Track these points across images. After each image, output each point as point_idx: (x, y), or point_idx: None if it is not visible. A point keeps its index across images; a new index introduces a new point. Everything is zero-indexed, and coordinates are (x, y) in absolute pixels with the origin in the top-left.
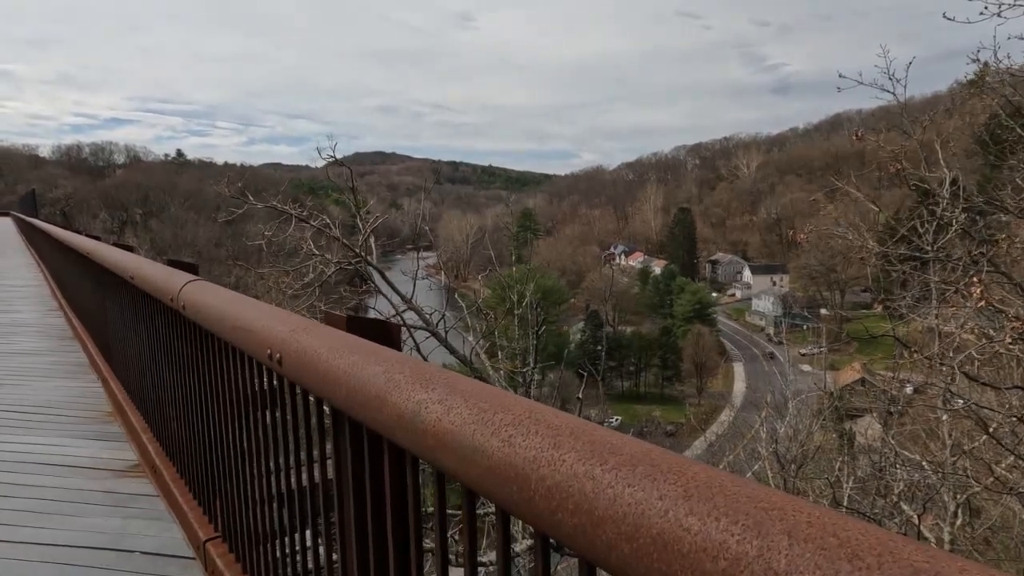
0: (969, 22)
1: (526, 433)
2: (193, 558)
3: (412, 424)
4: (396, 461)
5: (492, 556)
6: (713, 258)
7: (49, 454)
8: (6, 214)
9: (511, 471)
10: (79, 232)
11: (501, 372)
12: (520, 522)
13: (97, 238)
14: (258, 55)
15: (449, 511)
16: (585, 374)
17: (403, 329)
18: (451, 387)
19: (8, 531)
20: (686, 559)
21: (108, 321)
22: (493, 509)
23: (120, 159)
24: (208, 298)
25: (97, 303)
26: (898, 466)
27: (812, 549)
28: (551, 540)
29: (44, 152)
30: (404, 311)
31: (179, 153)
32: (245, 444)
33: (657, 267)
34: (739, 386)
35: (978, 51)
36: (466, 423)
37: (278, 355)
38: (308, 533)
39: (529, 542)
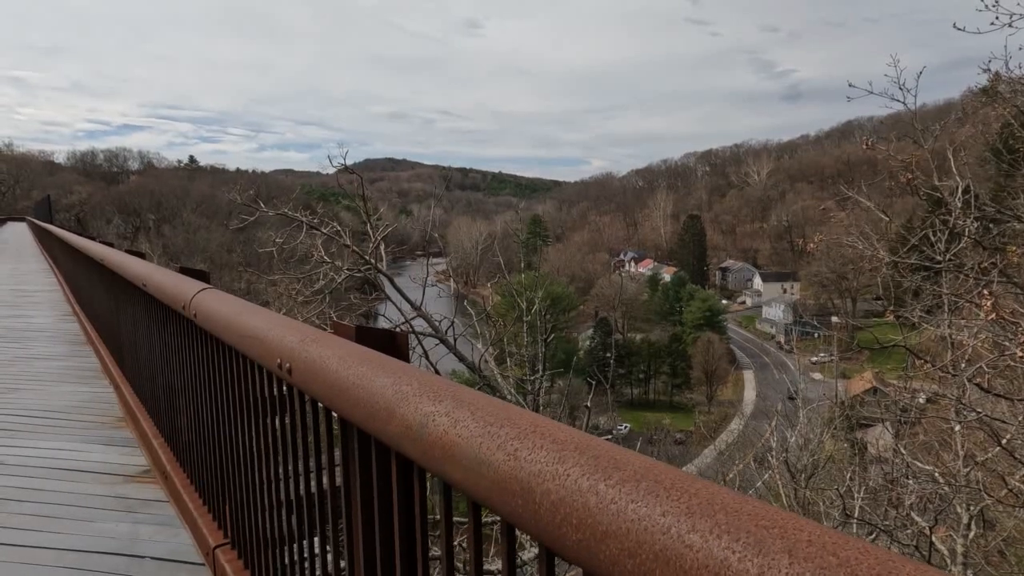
0: (980, 32)
1: (531, 447)
2: (203, 564)
3: (419, 436)
4: (403, 471)
5: (499, 564)
6: (723, 265)
7: (61, 459)
8: (22, 219)
9: (516, 485)
10: (93, 238)
11: (510, 379)
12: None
13: (111, 244)
14: (268, 63)
15: (457, 519)
16: (594, 381)
17: (412, 336)
18: (458, 400)
19: (19, 535)
20: None
21: (121, 327)
22: (498, 518)
23: (134, 165)
24: (219, 307)
25: (110, 309)
26: (910, 477)
27: (812, 568)
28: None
29: (59, 158)
30: (414, 318)
31: (192, 159)
32: (255, 451)
33: (667, 274)
34: (749, 394)
35: (989, 61)
36: (472, 436)
37: (288, 365)
38: (316, 540)
39: (535, 551)
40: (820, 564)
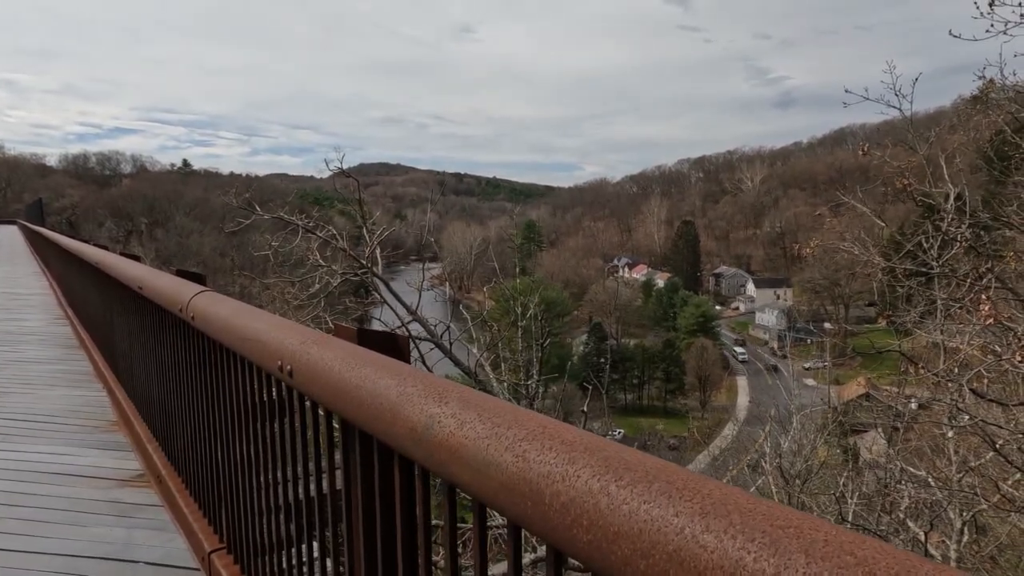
0: (975, 39)
1: (540, 448)
2: (197, 569)
3: (424, 437)
4: (406, 474)
5: (496, 569)
6: (717, 271)
7: (53, 463)
8: (13, 222)
9: (525, 486)
10: (86, 241)
11: (505, 384)
12: (524, 535)
13: (104, 247)
14: (261, 66)
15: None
16: (589, 387)
17: (408, 340)
18: (464, 401)
19: (12, 540)
20: None
21: (115, 330)
22: (498, 522)
23: (127, 168)
24: (218, 309)
25: (104, 312)
26: (904, 482)
27: (829, 568)
28: (564, 555)
29: (51, 161)
30: (409, 322)
31: (185, 163)
32: (252, 455)
33: (660, 280)
34: (743, 400)
35: (984, 68)
36: (480, 437)
37: (288, 367)
38: (315, 545)
39: (533, 555)
40: (838, 564)
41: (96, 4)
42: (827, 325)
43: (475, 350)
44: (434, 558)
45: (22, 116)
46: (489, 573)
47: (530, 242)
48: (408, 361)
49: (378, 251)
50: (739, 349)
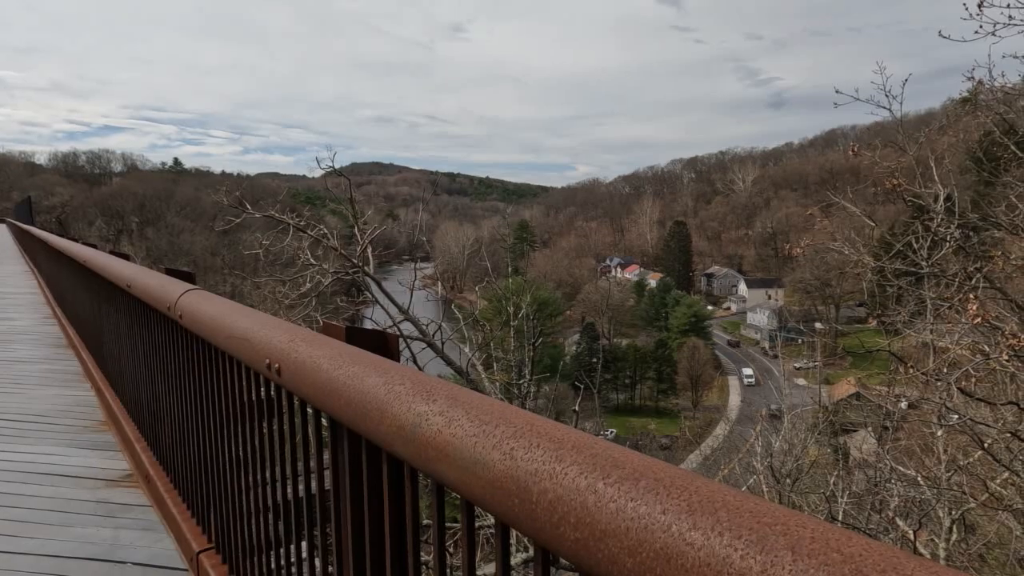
0: (964, 40)
1: (528, 446)
2: (186, 569)
3: (412, 436)
4: (395, 473)
5: (486, 570)
6: (708, 271)
7: (41, 463)
8: (1, 221)
9: (512, 484)
10: (75, 240)
11: (497, 384)
12: (515, 535)
13: (94, 246)
14: (252, 66)
15: (446, 525)
16: (581, 386)
17: (400, 340)
18: (453, 399)
19: None
20: (689, 574)
21: (103, 330)
22: (489, 522)
23: (117, 167)
24: (206, 307)
25: (92, 312)
26: (893, 481)
27: (816, 565)
28: (551, 554)
29: (41, 159)
30: (401, 321)
31: (176, 162)
32: (241, 454)
33: (653, 280)
34: (734, 399)
35: (973, 69)
36: (468, 435)
37: (276, 365)
38: (304, 545)
39: (523, 555)
40: (824, 560)
41: (87, 2)
42: (818, 325)
43: (467, 350)
44: (424, 558)
45: (9, 114)
46: (481, 573)
47: (522, 242)
48: (397, 359)
49: (370, 250)
50: (747, 372)
